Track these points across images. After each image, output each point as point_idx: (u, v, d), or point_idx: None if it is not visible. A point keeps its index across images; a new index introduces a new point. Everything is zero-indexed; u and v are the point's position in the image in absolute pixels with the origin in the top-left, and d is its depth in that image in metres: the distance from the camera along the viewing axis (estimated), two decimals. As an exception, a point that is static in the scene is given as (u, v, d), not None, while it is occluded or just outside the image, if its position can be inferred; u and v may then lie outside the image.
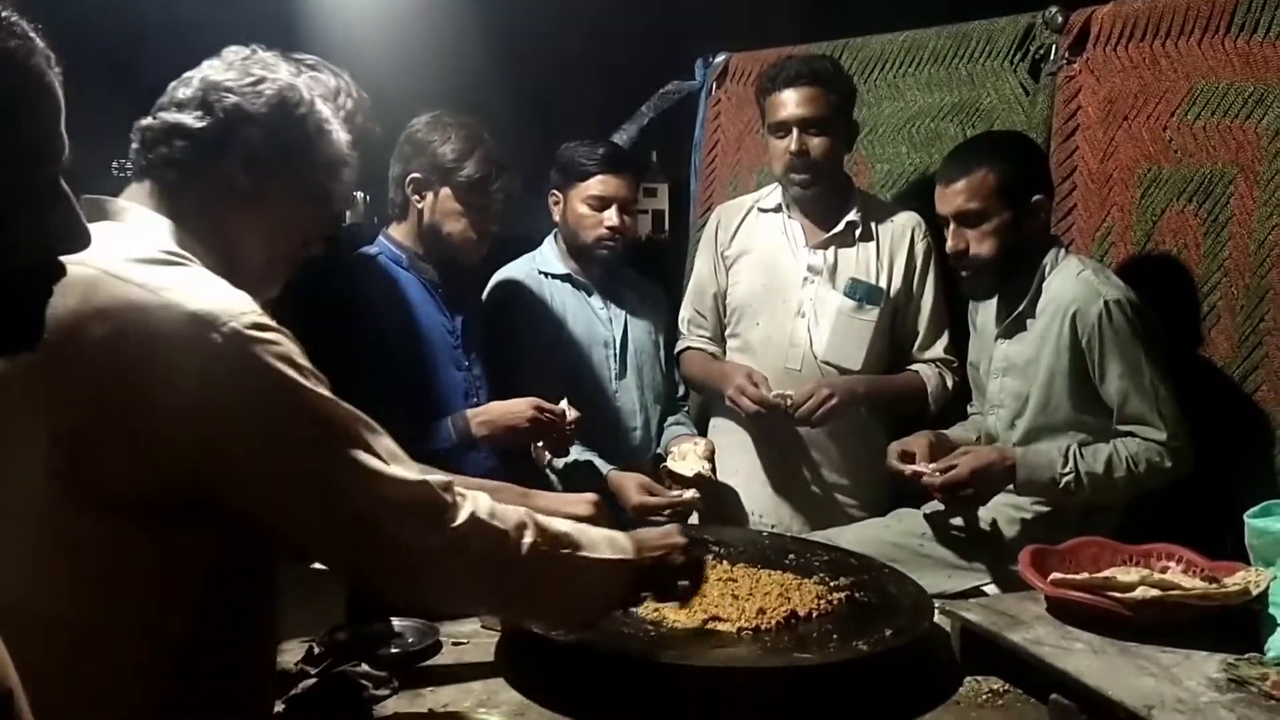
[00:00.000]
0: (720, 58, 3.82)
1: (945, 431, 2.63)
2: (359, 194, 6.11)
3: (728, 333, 3.04)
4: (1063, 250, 2.53)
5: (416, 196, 2.61)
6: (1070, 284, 2.41)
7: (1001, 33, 3.04)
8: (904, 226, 2.91)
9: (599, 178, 2.90)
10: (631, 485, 2.75)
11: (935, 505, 2.59)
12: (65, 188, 1.00)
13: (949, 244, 2.47)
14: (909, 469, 2.46)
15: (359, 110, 2.10)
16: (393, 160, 2.65)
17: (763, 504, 2.93)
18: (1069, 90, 2.85)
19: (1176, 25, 2.64)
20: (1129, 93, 2.72)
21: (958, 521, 2.54)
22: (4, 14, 0.95)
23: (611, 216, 2.90)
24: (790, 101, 2.78)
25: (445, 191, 2.59)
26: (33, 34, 0.97)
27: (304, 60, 2.08)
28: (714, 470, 2.80)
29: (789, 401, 2.73)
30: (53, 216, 0.99)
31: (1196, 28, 2.60)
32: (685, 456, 2.79)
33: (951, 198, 2.43)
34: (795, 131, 2.78)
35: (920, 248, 2.89)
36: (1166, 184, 2.64)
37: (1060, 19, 2.87)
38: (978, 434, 2.65)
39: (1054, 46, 2.89)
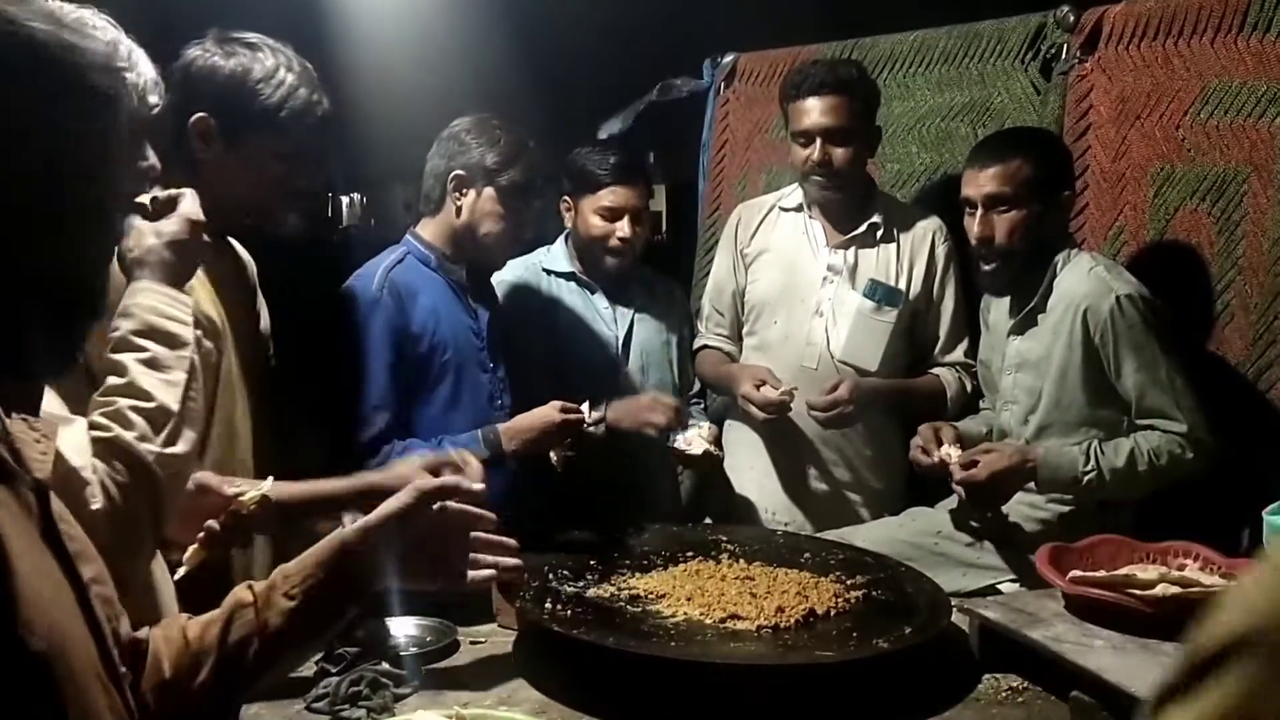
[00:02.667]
0: (728, 58, 3.83)
1: (958, 424, 2.63)
2: (355, 196, 6.06)
3: (745, 331, 3.04)
4: (1075, 248, 2.54)
5: (457, 193, 2.60)
6: (1082, 280, 2.42)
7: (1012, 32, 3.04)
8: (925, 230, 2.91)
9: (611, 189, 2.89)
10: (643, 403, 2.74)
11: (951, 504, 2.60)
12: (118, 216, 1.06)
13: (976, 229, 2.47)
14: (937, 454, 2.46)
15: (302, 83, 2.02)
16: (433, 155, 2.64)
17: (776, 503, 2.94)
18: (1081, 89, 2.85)
19: (1189, 24, 2.64)
20: (1141, 92, 2.73)
21: (973, 518, 2.54)
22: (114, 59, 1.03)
23: (624, 228, 2.89)
24: (814, 110, 2.78)
25: (488, 192, 2.59)
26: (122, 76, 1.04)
27: (244, 39, 2.02)
28: (719, 451, 2.84)
29: (793, 395, 2.74)
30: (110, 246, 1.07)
31: (1209, 27, 2.60)
32: (691, 441, 2.80)
33: (985, 181, 2.44)
34: (819, 141, 2.78)
35: (941, 251, 2.89)
36: (1179, 183, 2.65)
37: (1072, 18, 2.87)
38: (988, 428, 2.66)
39: (1065, 45, 2.89)
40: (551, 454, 2.65)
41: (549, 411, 2.53)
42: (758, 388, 2.77)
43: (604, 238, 2.90)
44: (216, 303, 2.00)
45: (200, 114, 1.99)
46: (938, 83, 3.22)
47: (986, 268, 2.51)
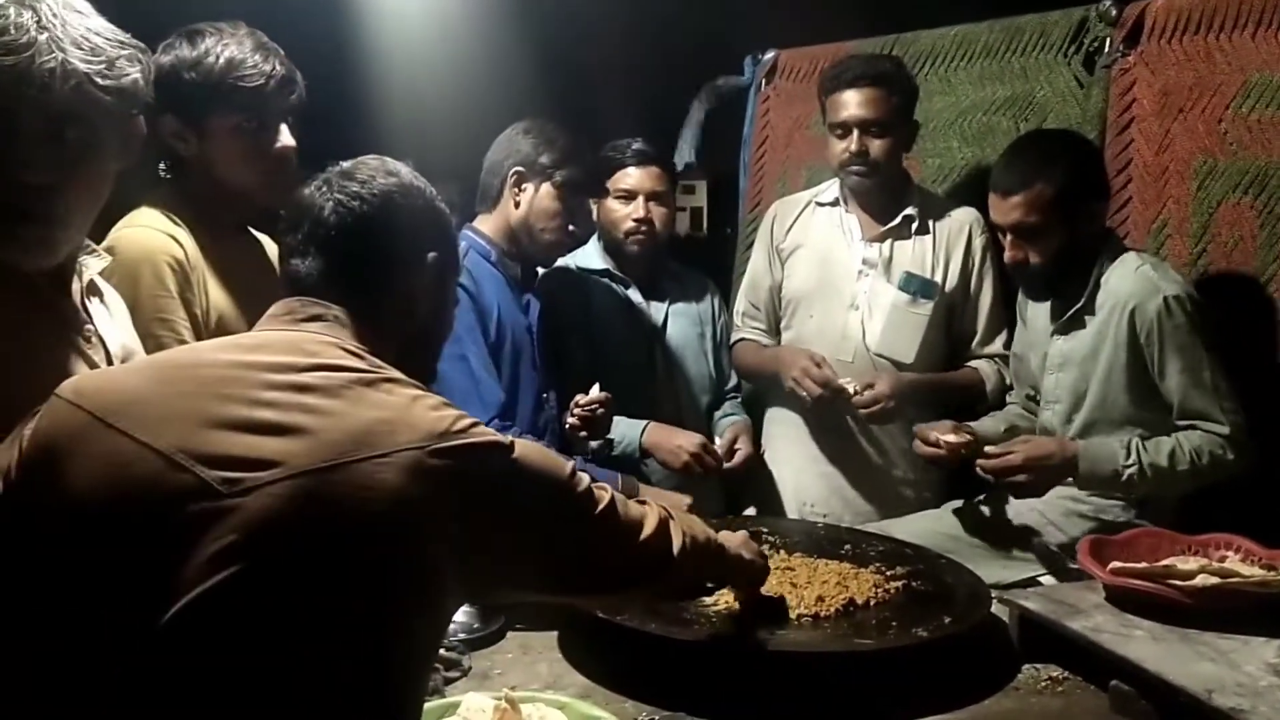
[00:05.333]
0: (769, 54, 3.85)
1: (972, 424, 2.63)
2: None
3: (782, 325, 3.07)
4: (1119, 245, 2.53)
5: (516, 188, 2.66)
6: (1128, 280, 2.41)
7: (1055, 26, 3.04)
8: (962, 223, 2.92)
9: (625, 170, 2.96)
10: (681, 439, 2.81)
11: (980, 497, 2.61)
12: None
13: (1007, 254, 2.48)
14: (934, 442, 2.49)
15: (244, 53, 1.98)
16: (493, 152, 2.70)
17: (815, 494, 2.95)
18: (1124, 83, 2.84)
19: (1230, 18, 2.64)
20: (1184, 85, 2.72)
21: (1011, 512, 2.55)
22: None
23: (638, 208, 2.94)
24: (852, 102, 2.80)
25: (546, 188, 2.64)
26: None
27: (189, 30, 2.00)
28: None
29: (853, 389, 2.75)
30: None
31: (1250, 21, 2.60)
32: None
33: (1008, 210, 2.42)
34: (856, 132, 2.80)
35: (978, 244, 2.90)
36: (1222, 176, 2.64)
37: (1114, 12, 2.86)
38: (1008, 425, 2.65)
39: (1108, 39, 2.88)
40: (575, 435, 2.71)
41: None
42: (818, 365, 2.78)
43: (621, 220, 2.95)
44: (228, 295, 2.02)
45: (163, 116, 1.99)
46: (979, 77, 3.22)
47: (1023, 282, 2.51)
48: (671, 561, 1.54)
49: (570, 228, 2.72)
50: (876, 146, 2.82)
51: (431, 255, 1.47)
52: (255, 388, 1.23)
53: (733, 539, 1.82)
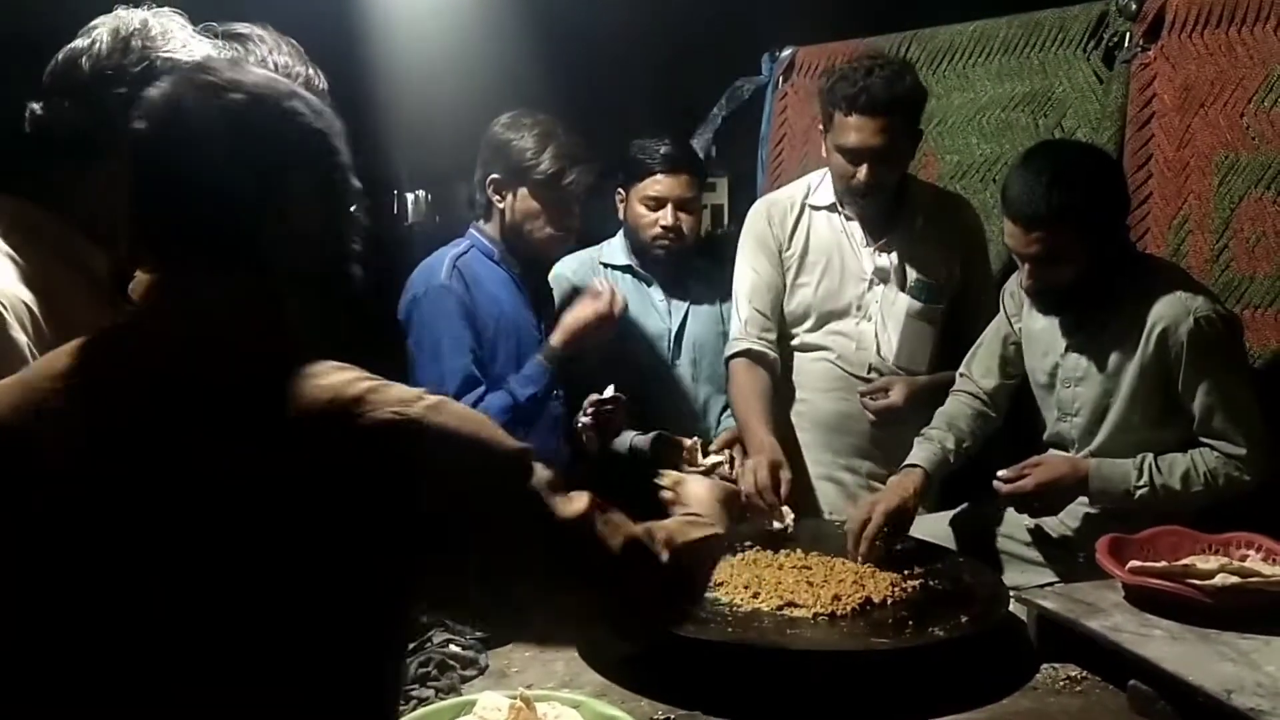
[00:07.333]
0: (786, 52, 3.82)
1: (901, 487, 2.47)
2: (420, 193, 6.14)
3: (787, 330, 2.91)
4: (1139, 255, 2.48)
5: (498, 197, 2.69)
6: (1157, 298, 2.31)
7: (1074, 20, 3.01)
8: (956, 215, 2.86)
9: (656, 177, 2.95)
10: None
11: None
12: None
13: (1025, 282, 2.35)
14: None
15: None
16: (476, 164, 2.72)
17: (830, 499, 2.88)
18: (1144, 78, 2.82)
19: (1252, 12, 2.61)
20: (1205, 80, 2.70)
21: (1027, 521, 2.52)
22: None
23: (666, 216, 2.94)
24: (865, 129, 2.59)
25: (523, 190, 2.66)
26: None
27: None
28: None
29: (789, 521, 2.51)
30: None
31: (1272, 14, 2.57)
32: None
33: (1029, 243, 2.28)
34: (868, 164, 2.63)
35: (973, 238, 2.85)
36: (1244, 172, 2.62)
37: (1134, 6, 2.82)
38: (933, 463, 2.52)
39: (1128, 34, 2.86)
40: (583, 438, 2.71)
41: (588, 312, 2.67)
42: (773, 474, 2.52)
43: (649, 226, 2.96)
44: None
45: None
46: (998, 73, 3.20)
47: (1035, 299, 2.42)
48: (660, 577, 1.26)
49: (562, 220, 2.70)
50: (887, 173, 2.68)
51: (293, 175, 1.17)
52: None
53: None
